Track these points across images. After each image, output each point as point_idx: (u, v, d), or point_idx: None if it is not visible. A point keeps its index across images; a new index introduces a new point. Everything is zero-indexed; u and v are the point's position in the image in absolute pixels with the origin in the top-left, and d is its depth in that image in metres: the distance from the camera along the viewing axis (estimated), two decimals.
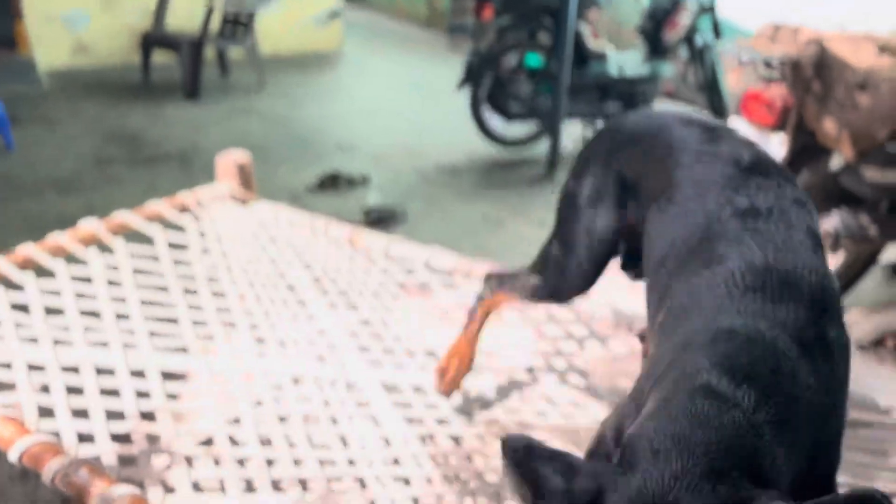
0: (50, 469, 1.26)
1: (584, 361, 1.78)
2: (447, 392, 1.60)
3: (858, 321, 2.58)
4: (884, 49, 2.41)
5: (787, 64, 2.39)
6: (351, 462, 1.45)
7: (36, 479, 2.06)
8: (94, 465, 1.30)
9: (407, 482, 1.41)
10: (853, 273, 3.04)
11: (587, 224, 1.21)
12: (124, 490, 1.23)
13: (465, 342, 1.57)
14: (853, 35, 2.46)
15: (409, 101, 6.11)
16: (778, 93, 2.47)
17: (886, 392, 1.85)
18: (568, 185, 1.27)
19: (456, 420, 1.60)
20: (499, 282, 1.48)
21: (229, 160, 2.45)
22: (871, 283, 3.22)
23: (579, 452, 1.47)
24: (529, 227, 3.83)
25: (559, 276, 1.29)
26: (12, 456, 1.30)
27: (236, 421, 1.55)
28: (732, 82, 2.51)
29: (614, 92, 4.69)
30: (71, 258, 1.91)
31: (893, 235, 2.84)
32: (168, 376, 1.64)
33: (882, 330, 2.52)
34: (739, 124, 2.60)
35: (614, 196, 1.17)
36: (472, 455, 1.51)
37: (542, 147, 4.74)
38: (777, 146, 2.49)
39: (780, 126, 2.49)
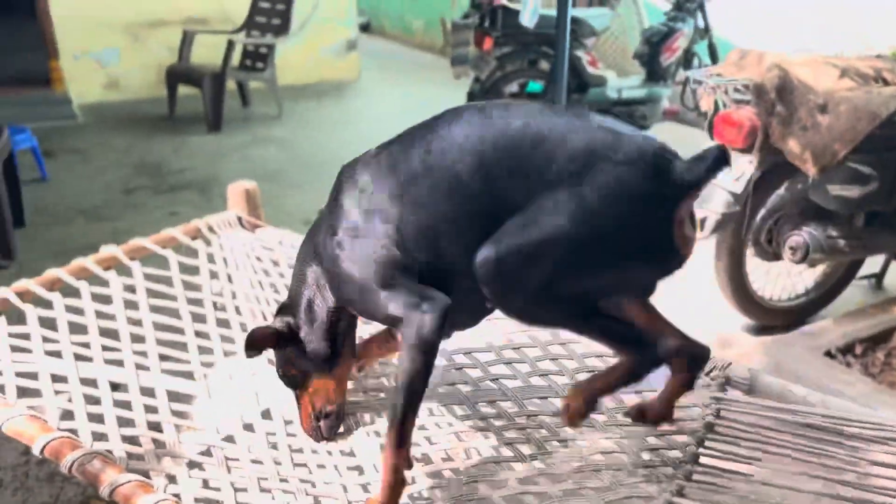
0: (68, 460, 1.47)
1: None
2: None
3: (829, 329, 2.71)
4: (844, 73, 2.57)
5: (751, 88, 2.56)
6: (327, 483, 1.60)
7: (61, 482, 2.28)
8: (107, 457, 1.50)
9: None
10: (831, 285, 3.17)
11: None
12: (132, 477, 1.43)
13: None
14: (814, 59, 2.62)
15: None
16: (746, 115, 2.63)
17: (853, 395, 1.98)
18: None
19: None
20: None
21: (239, 188, 2.67)
22: (856, 293, 3.34)
23: None
24: None
25: None
26: (35, 449, 1.51)
27: (230, 438, 1.73)
28: (704, 106, 2.68)
29: (612, 115, 4.86)
30: (94, 279, 2.14)
31: (871, 248, 2.97)
32: (173, 396, 1.85)
33: (851, 337, 2.65)
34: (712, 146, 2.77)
35: None
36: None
37: None
38: (747, 165, 2.65)
39: (749, 147, 2.65)
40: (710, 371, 1.76)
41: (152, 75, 7.31)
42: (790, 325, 3.04)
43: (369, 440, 1.74)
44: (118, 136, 6.08)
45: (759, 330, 3.08)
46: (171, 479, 1.55)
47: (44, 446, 1.52)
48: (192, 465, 1.61)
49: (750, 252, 2.97)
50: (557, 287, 1.23)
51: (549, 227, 1.19)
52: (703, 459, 1.52)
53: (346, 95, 7.72)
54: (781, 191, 2.94)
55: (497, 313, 1.39)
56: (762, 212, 2.90)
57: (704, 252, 3.68)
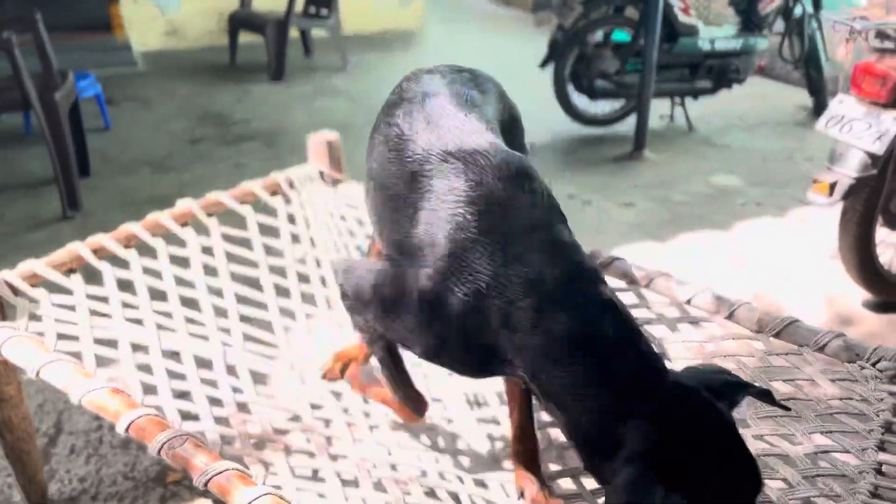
0: (157, 441, 1.29)
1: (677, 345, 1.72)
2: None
3: None
4: None
5: None
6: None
7: (136, 450, 2.14)
8: (199, 441, 1.33)
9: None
10: None
11: None
12: (228, 465, 1.25)
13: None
14: None
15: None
16: (892, 65, 2.31)
17: None
18: None
19: None
20: None
21: (320, 140, 2.46)
22: None
23: None
24: (617, 208, 3.74)
25: None
26: (119, 427, 1.35)
27: (319, 406, 1.58)
28: (842, 55, 2.37)
29: (704, 68, 4.51)
30: (171, 237, 1.97)
31: None
32: (259, 378, 1.70)
33: None
34: (849, 100, 2.46)
35: None
36: None
37: (628, 124, 4.61)
38: (891, 123, 2.34)
39: (893, 101, 2.33)
40: (878, 362, 1.51)
41: (213, 23, 7.12)
42: None
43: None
44: (180, 84, 5.93)
45: (884, 307, 2.79)
46: (267, 465, 1.39)
47: (129, 424, 1.35)
48: (289, 451, 1.45)
49: (878, 222, 2.66)
50: None
51: None
52: (885, 469, 1.30)
53: (411, 45, 7.44)
54: None
55: None
56: None
57: (827, 221, 3.36)
